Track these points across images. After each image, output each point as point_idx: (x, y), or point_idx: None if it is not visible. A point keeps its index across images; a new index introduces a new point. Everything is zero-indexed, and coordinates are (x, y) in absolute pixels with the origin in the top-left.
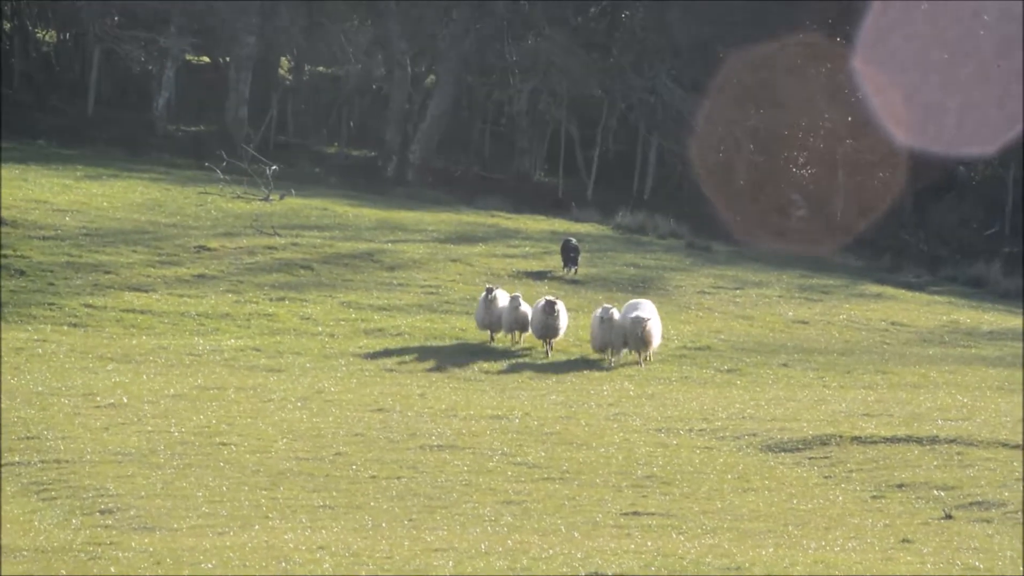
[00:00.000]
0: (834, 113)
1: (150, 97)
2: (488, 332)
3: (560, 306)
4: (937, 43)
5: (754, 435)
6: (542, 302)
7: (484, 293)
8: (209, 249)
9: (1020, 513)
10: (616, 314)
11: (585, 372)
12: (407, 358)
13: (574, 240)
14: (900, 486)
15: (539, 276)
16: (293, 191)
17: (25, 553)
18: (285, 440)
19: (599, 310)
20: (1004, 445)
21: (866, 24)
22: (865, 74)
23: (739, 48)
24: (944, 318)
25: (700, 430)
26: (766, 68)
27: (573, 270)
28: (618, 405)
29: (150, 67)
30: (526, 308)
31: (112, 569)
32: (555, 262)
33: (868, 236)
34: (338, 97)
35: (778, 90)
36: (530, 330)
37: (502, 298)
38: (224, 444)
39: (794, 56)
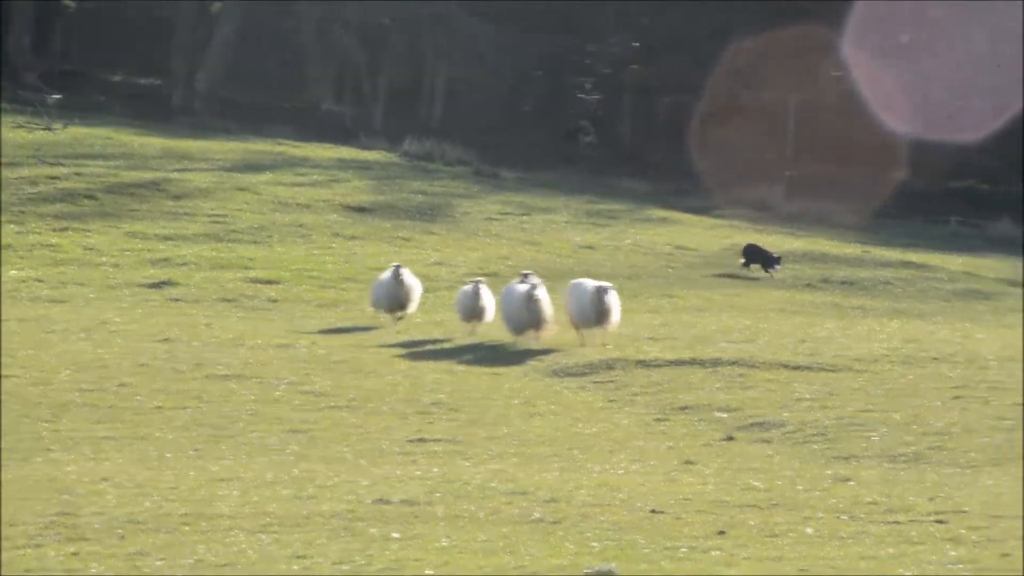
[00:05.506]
0: (621, 38)
1: None
2: (382, 312)
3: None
4: None
5: (540, 360)
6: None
7: (391, 270)
8: None
9: (798, 433)
10: (543, 290)
11: None
12: (193, 288)
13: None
14: (683, 408)
15: (361, 210)
16: (77, 120)
17: None
18: (68, 371)
19: (518, 285)
20: (785, 366)
21: None
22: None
23: None
24: (728, 241)
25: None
26: None
27: (773, 270)
28: (406, 333)
29: None
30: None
31: None
32: (343, 189)
33: (654, 161)
34: (123, 25)
35: (566, 15)
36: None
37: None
38: (5, 376)
39: None
